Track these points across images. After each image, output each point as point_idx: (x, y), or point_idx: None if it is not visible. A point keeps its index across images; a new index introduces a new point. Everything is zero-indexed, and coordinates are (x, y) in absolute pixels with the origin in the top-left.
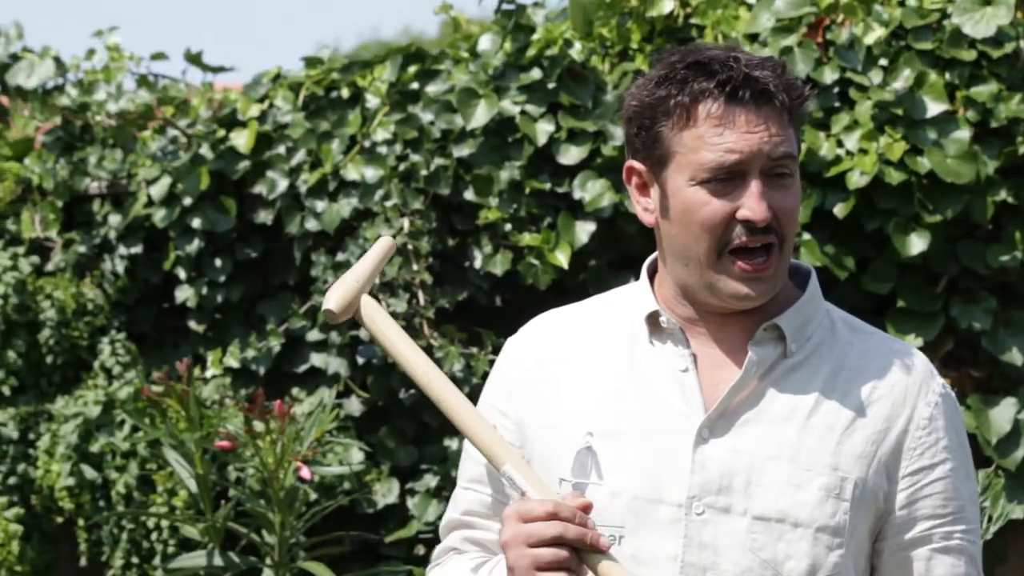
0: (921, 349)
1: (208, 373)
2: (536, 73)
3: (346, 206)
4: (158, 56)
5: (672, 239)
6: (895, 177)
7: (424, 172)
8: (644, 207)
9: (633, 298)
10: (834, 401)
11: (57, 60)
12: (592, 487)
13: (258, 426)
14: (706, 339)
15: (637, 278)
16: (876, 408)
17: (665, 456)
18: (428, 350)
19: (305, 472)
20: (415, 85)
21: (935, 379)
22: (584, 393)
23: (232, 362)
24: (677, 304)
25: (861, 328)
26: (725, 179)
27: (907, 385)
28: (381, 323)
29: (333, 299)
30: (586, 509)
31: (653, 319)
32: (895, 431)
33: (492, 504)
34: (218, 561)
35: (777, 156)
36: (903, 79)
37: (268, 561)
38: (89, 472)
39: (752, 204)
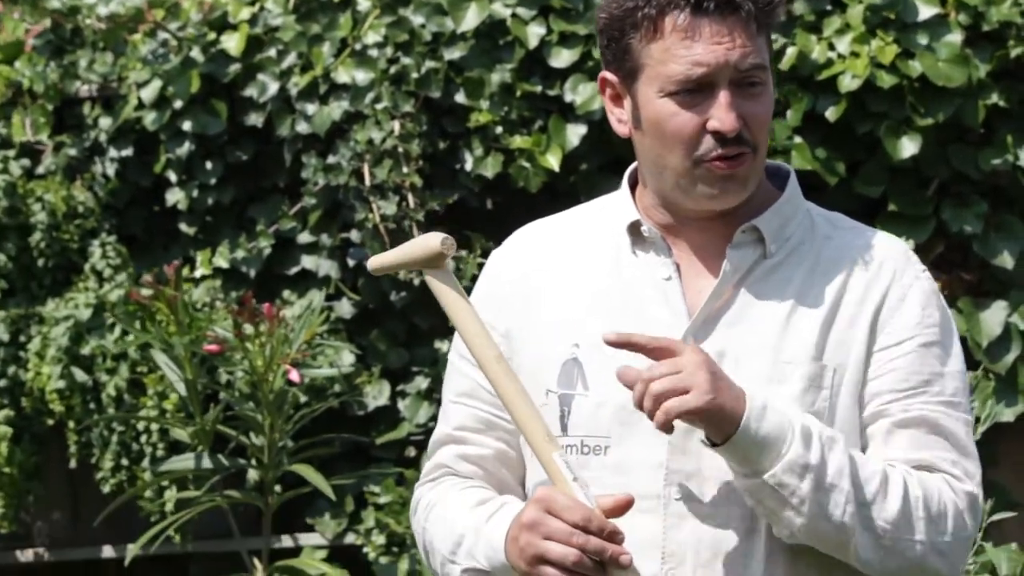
0: (913, 252)
1: (198, 273)
2: None
3: (337, 109)
4: None
5: (646, 149)
6: (886, 80)
7: (415, 75)
8: (618, 118)
9: (614, 208)
10: (814, 295)
11: None
12: (579, 398)
13: (247, 329)
14: (687, 246)
15: None
16: (853, 293)
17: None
18: None
19: (294, 375)
20: None
21: (912, 264)
22: (569, 304)
23: (222, 262)
24: (657, 212)
25: (842, 223)
26: (693, 90)
27: (883, 268)
28: (444, 294)
29: (373, 262)
30: (614, 536)
31: (635, 229)
32: (869, 312)
33: (485, 419)
34: (207, 463)
35: (745, 67)
36: None
37: (256, 463)
38: (80, 375)
39: (721, 115)
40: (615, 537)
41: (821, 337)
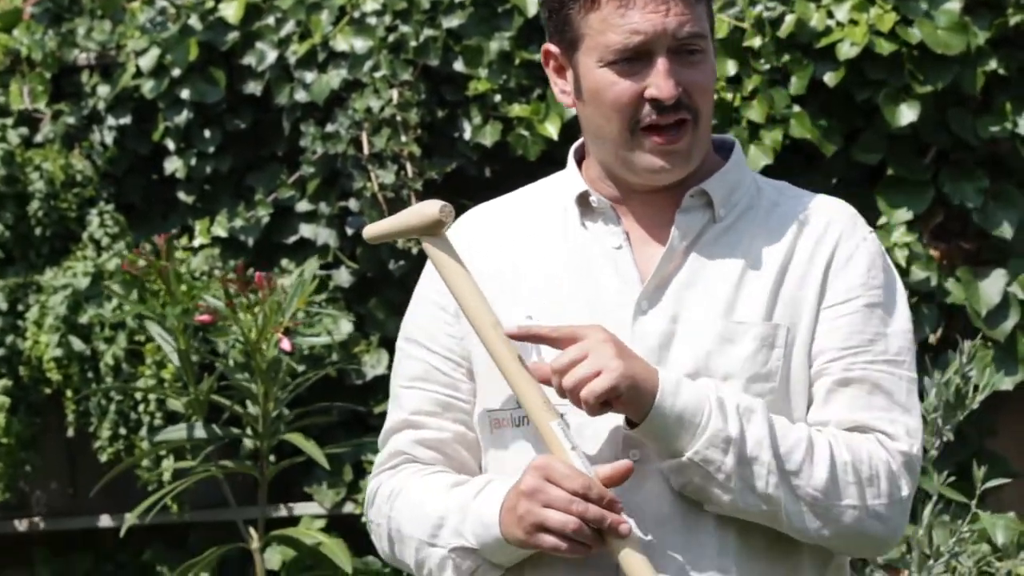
0: (912, 222)
1: (196, 243)
2: None
3: (335, 77)
4: None
5: (588, 120)
6: (885, 48)
7: (413, 43)
8: (561, 89)
9: (562, 183)
10: (763, 257)
11: None
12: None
13: (240, 298)
14: (637, 215)
15: None
16: (801, 254)
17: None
18: None
19: (285, 344)
20: None
21: (859, 226)
22: (522, 280)
23: (220, 231)
24: (604, 184)
25: (788, 190)
26: (632, 59)
27: (830, 229)
28: (441, 262)
29: (368, 230)
30: (613, 504)
31: (583, 200)
32: (818, 271)
33: (441, 401)
34: (201, 433)
35: (683, 35)
36: None
37: (251, 432)
38: (77, 344)
39: (659, 82)
40: (614, 506)
41: (772, 297)
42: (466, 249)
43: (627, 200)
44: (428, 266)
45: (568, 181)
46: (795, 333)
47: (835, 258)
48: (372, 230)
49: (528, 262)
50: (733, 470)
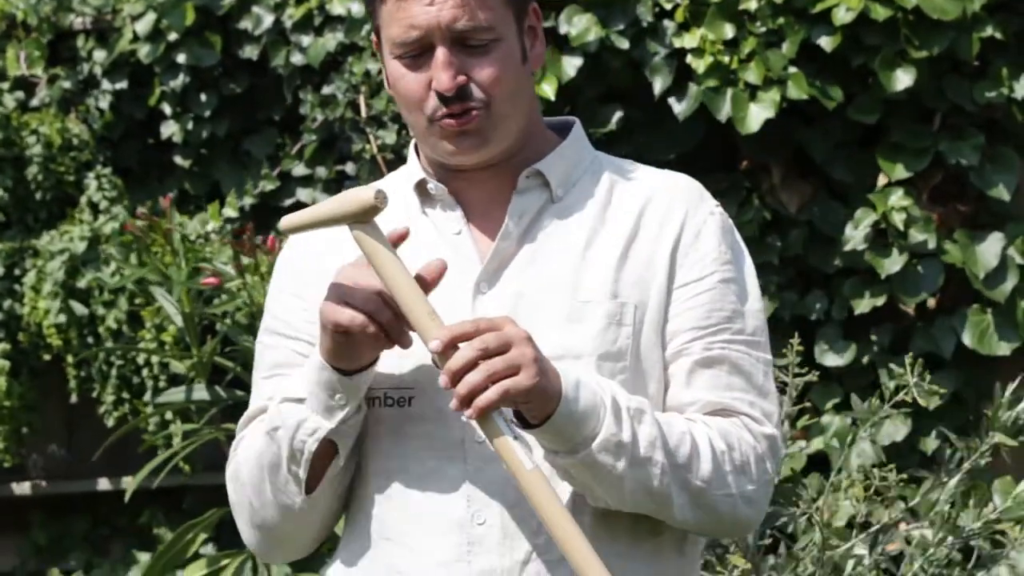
0: (909, 184)
1: (209, 227)
2: None
3: (332, 40)
4: None
5: (399, 107)
6: (881, 13)
7: None
8: (385, 77)
9: (403, 173)
10: (606, 233)
11: None
12: (381, 355)
13: (246, 261)
14: (474, 199)
15: (623, 111)
16: (647, 231)
17: (447, 314)
18: None
19: None
20: None
21: (706, 200)
22: None
23: (231, 212)
24: (439, 170)
25: (630, 167)
26: (416, 53)
27: (675, 205)
28: (373, 249)
29: (285, 221)
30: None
31: (421, 188)
32: (666, 249)
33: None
34: (204, 395)
35: (458, 29)
36: None
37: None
38: (77, 308)
39: (437, 74)
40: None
41: (616, 275)
42: (305, 248)
43: (463, 184)
44: (281, 262)
45: (408, 170)
46: (643, 312)
47: (683, 235)
48: (292, 220)
49: None
50: (625, 473)
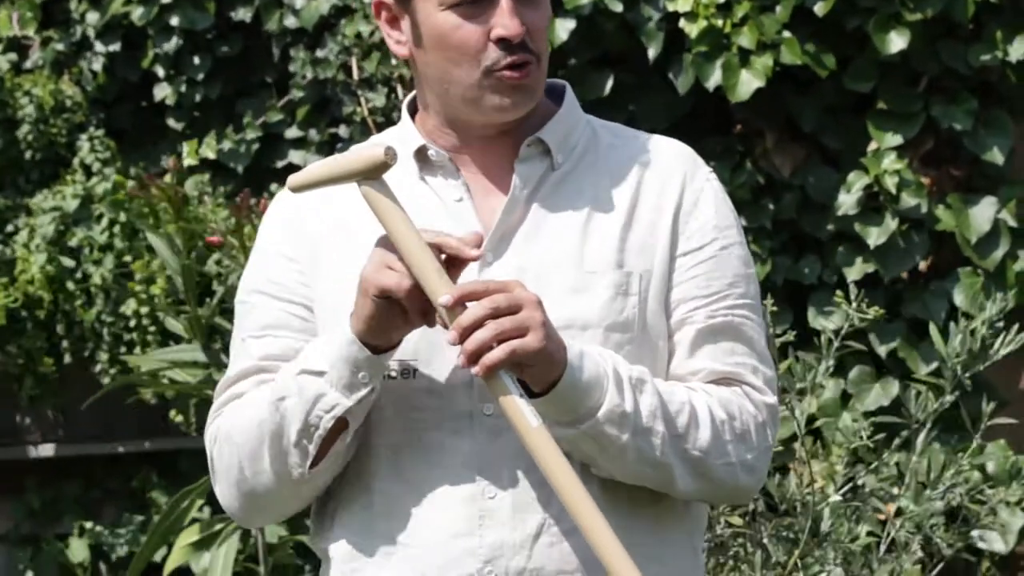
0: (901, 148)
1: (185, 163)
2: None
3: (324, 2)
4: None
5: (430, 68)
6: None
7: None
8: (396, 40)
9: (399, 138)
10: (607, 202)
11: None
12: None
13: (244, 223)
14: (475, 167)
15: (615, 76)
16: (647, 199)
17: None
18: None
19: None
20: None
21: (700, 167)
22: (364, 235)
23: (208, 153)
24: (441, 135)
25: (622, 132)
26: (474, 1)
27: (673, 172)
28: (383, 206)
29: (293, 179)
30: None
31: (421, 154)
32: (667, 216)
33: (297, 348)
34: (201, 357)
35: None
36: None
37: None
38: (67, 262)
39: (505, 21)
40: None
41: (620, 243)
42: (296, 209)
43: (465, 150)
44: (266, 222)
45: (405, 135)
46: (648, 280)
47: (683, 202)
48: (300, 178)
49: (362, 220)
50: (628, 444)
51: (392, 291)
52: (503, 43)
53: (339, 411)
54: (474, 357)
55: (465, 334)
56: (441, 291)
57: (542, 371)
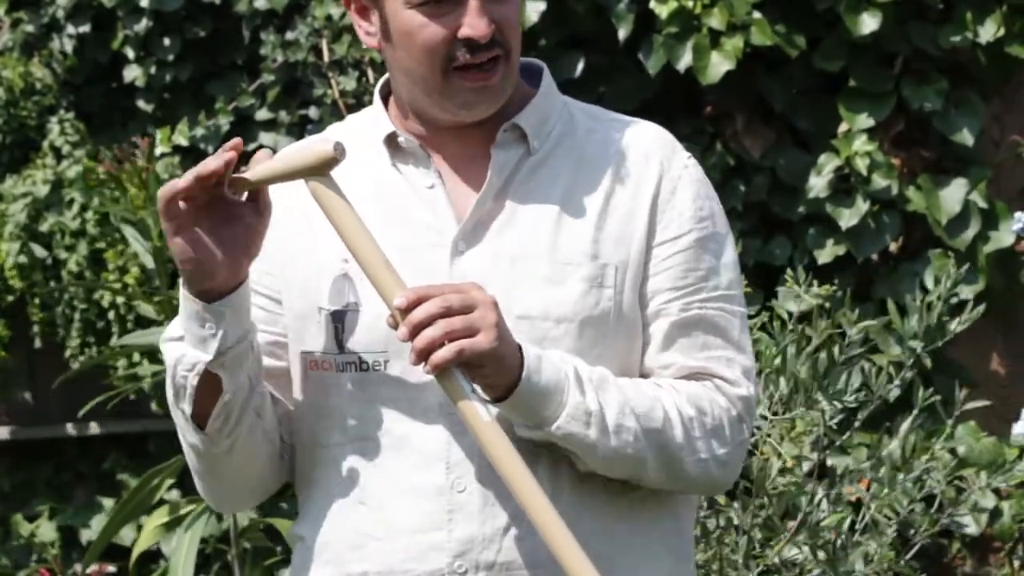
0: (872, 130)
1: (157, 151)
2: None
3: None
4: None
5: (397, 62)
6: None
7: None
8: (366, 31)
9: (369, 124)
10: (584, 191)
11: None
12: (351, 314)
13: None
14: (448, 154)
15: (586, 58)
16: (624, 187)
17: (423, 274)
18: None
19: None
20: None
21: (679, 153)
22: (326, 224)
23: (181, 140)
24: (413, 124)
25: (601, 115)
26: (439, 0)
27: (651, 159)
28: (331, 202)
29: (251, 169)
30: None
31: (392, 141)
32: (645, 205)
33: (273, 341)
34: None
35: None
36: None
37: None
38: (39, 251)
39: (472, 21)
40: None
41: (596, 232)
42: (275, 192)
43: (438, 138)
44: None
45: (376, 121)
46: (624, 271)
47: (661, 190)
48: (262, 172)
49: None
50: (597, 440)
51: (172, 194)
52: (469, 43)
53: (200, 367)
54: (423, 354)
55: (415, 331)
56: (395, 291)
57: (494, 372)
